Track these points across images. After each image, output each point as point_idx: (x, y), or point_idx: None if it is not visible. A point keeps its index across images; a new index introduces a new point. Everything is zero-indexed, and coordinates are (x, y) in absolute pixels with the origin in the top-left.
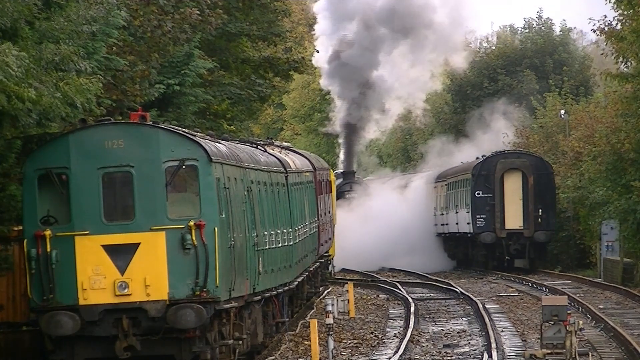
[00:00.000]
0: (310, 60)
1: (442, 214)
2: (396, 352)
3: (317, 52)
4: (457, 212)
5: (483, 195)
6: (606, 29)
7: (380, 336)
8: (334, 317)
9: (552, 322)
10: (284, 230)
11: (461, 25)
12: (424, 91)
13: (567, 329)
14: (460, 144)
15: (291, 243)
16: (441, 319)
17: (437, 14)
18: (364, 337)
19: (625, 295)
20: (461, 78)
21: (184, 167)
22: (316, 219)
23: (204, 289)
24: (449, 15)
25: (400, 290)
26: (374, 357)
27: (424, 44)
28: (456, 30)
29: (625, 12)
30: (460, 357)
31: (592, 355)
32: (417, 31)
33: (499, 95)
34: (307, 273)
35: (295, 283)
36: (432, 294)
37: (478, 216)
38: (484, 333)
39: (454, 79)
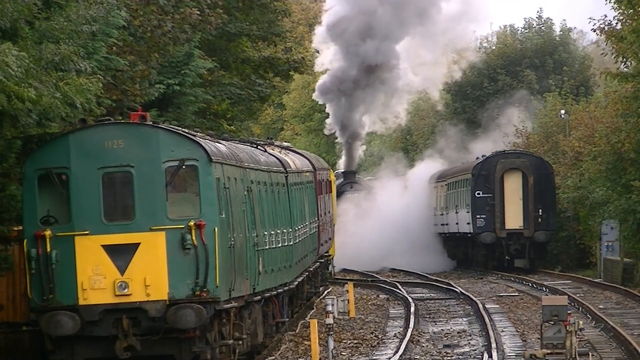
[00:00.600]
0: (311, 61)
1: (442, 214)
2: (396, 352)
3: (318, 52)
4: (457, 212)
5: (483, 195)
6: (606, 28)
7: (380, 336)
8: (334, 317)
9: (552, 322)
10: (284, 230)
11: (475, 18)
12: (440, 81)
13: (567, 329)
14: (474, 137)
15: (291, 243)
16: (441, 319)
17: (449, 4)
18: (364, 337)
19: (625, 295)
20: (461, 78)
21: (184, 167)
22: (316, 219)
23: (204, 289)
24: (461, 3)
25: (400, 290)
26: (374, 357)
27: (435, 32)
28: (466, 22)
29: (625, 12)
30: (460, 357)
31: (592, 355)
32: (430, 18)
33: (504, 94)
34: (307, 273)
35: (295, 283)
36: (432, 294)
37: (478, 216)
38: (484, 333)
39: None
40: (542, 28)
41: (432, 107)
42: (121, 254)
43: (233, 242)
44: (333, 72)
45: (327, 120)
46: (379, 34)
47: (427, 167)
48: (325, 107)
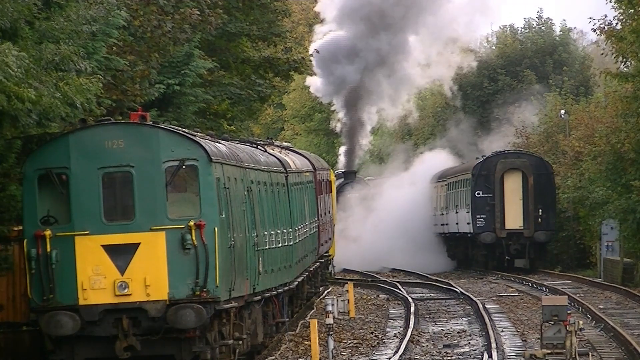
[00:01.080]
0: (311, 61)
1: (442, 214)
2: (396, 352)
3: (317, 52)
4: (457, 212)
5: (483, 195)
6: (606, 28)
7: (380, 336)
8: (334, 317)
9: (552, 322)
10: (284, 230)
11: (482, 11)
12: (449, 75)
13: (567, 329)
14: (480, 137)
15: (291, 243)
16: (441, 319)
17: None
18: (364, 337)
19: (625, 295)
20: (461, 78)
21: (184, 167)
22: (316, 219)
23: (204, 289)
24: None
25: (400, 290)
26: (374, 357)
27: (444, 23)
28: (473, 15)
29: (625, 12)
30: (460, 357)
31: (592, 355)
32: (441, 7)
33: (512, 91)
34: (307, 273)
35: (295, 283)
36: (432, 294)
37: (478, 216)
38: (484, 333)
39: (455, 79)
40: (542, 28)
41: (435, 104)
42: (121, 254)
43: (233, 242)
44: (340, 46)
45: (331, 119)
46: (391, 25)
47: (429, 162)
48: (322, 107)
